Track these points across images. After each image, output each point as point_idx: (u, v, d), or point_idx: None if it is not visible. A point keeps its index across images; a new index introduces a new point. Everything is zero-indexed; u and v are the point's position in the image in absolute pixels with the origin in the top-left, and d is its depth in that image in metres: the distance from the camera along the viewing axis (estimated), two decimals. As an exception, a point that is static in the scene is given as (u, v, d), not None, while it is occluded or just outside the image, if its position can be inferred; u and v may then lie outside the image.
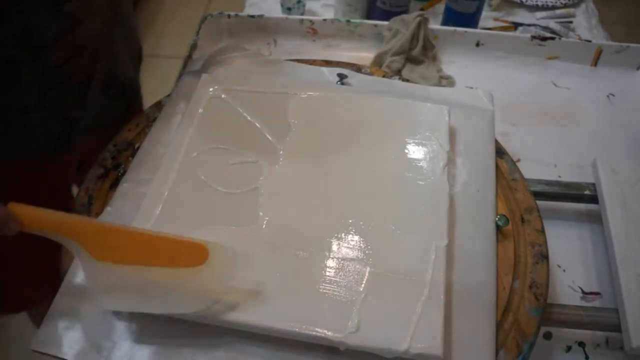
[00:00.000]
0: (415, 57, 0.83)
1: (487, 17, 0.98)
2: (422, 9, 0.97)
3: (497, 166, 0.58)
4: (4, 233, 0.41)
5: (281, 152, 0.56)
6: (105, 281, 0.44)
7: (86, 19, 0.55)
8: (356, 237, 0.49)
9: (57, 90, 0.56)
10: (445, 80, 0.83)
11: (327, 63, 0.69)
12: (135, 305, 0.45)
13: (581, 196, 0.65)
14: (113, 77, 0.63)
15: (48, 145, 0.59)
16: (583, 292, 0.60)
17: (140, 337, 0.46)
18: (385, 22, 0.87)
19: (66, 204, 0.57)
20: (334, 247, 0.49)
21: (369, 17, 0.95)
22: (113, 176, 0.58)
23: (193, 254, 0.45)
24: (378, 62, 0.84)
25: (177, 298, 0.44)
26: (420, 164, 0.55)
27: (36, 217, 0.42)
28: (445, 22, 0.93)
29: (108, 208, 0.53)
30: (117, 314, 0.46)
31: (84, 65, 0.57)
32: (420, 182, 0.54)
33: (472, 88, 0.69)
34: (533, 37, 0.85)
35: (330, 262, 0.47)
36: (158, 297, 0.44)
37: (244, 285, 0.46)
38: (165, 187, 0.52)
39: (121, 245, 0.45)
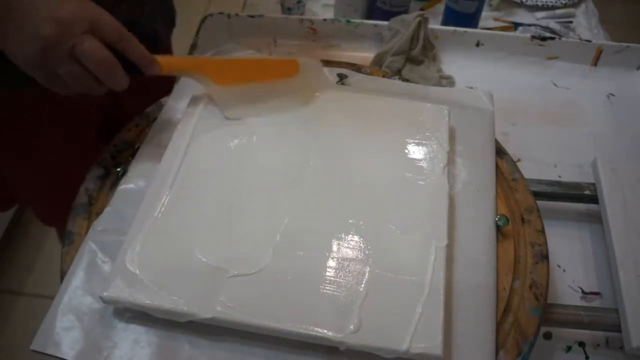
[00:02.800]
0: (415, 57, 0.83)
1: (487, 17, 0.98)
2: (422, 9, 0.97)
3: (497, 166, 0.58)
4: (148, 72, 0.51)
5: (281, 153, 0.56)
6: (228, 99, 0.58)
7: None
8: (356, 237, 0.49)
9: None
10: (445, 80, 0.83)
11: (327, 63, 0.69)
12: (254, 109, 0.58)
13: (581, 196, 0.65)
14: (137, 22, 0.64)
15: None
16: (583, 292, 0.60)
17: (140, 337, 0.46)
18: (385, 22, 0.87)
19: (88, 144, 0.64)
20: (334, 247, 0.49)
21: (369, 17, 0.95)
22: (113, 176, 0.58)
23: (289, 68, 0.61)
24: (378, 62, 0.84)
25: (282, 100, 0.59)
26: (420, 164, 0.55)
27: (170, 61, 0.55)
28: (445, 22, 0.93)
29: (108, 208, 0.53)
30: (117, 314, 0.46)
31: (109, 5, 0.59)
32: (420, 182, 0.54)
33: (472, 88, 0.69)
34: (533, 37, 0.85)
35: (331, 262, 0.47)
36: (268, 101, 0.59)
37: (244, 284, 0.46)
38: (165, 187, 0.52)
39: (235, 70, 0.60)
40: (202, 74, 0.56)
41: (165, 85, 0.66)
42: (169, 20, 0.77)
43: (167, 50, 0.81)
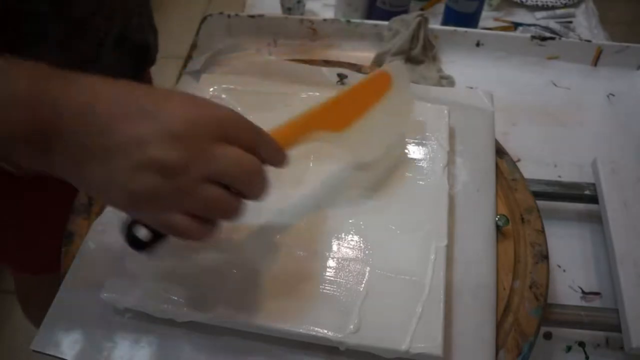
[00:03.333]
0: (415, 57, 0.83)
1: (487, 17, 0.98)
2: (422, 9, 0.97)
3: (497, 166, 0.58)
4: (282, 166, 0.41)
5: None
6: (352, 141, 0.50)
7: None
8: (356, 237, 0.49)
9: (78, 45, 0.55)
10: (445, 80, 0.82)
11: (327, 63, 0.69)
12: (373, 147, 0.53)
13: (581, 196, 0.65)
14: (126, 35, 0.62)
15: None
16: (583, 292, 0.60)
17: (140, 337, 0.46)
18: (385, 22, 0.87)
19: (53, 201, 0.57)
20: (334, 247, 0.49)
21: (369, 17, 0.95)
22: (113, 176, 0.58)
23: (381, 81, 0.54)
24: (378, 62, 0.84)
25: (390, 125, 0.54)
26: (420, 164, 0.55)
27: (288, 140, 0.43)
28: (445, 22, 0.93)
29: (108, 208, 0.53)
30: (117, 314, 0.46)
31: (102, 20, 0.56)
32: (420, 182, 0.54)
33: (472, 88, 0.69)
34: (533, 37, 0.85)
35: (331, 262, 0.47)
36: (382, 131, 0.53)
37: (244, 284, 0.46)
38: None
39: (342, 109, 0.50)
40: (322, 130, 0.47)
41: None
42: (155, 30, 0.75)
43: (155, 61, 0.76)
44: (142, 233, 0.37)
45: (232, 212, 0.38)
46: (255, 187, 0.38)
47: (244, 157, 0.36)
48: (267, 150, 0.39)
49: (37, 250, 0.59)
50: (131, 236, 0.38)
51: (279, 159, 0.41)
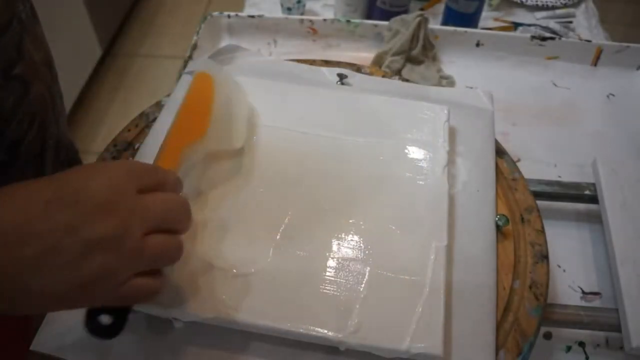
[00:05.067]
0: (415, 57, 0.83)
1: (487, 17, 0.98)
2: (422, 9, 0.97)
3: (497, 166, 0.58)
4: (180, 191, 0.40)
5: (281, 153, 0.56)
6: (219, 136, 0.52)
7: (34, 81, 0.52)
8: (356, 237, 0.49)
9: (20, 166, 0.52)
10: (445, 80, 0.83)
11: (327, 63, 0.69)
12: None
13: (581, 196, 0.65)
14: (61, 141, 0.59)
15: None
16: (583, 292, 0.60)
17: (141, 337, 0.46)
18: (385, 22, 0.87)
19: None
20: (334, 247, 0.49)
21: (369, 17, 0.95)
22: (113, 176, 0.58)
23: (206, 83, 0.53)
24: (378, 62, 0.84)
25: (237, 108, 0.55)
26: (420, 164, 0.55)
27: (171, 166, 0.44)
28: (445, 22, 0.93)
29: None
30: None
31: (37, 135, 0.53)
32: (420, 182, 0.54)
33: (472, 88, 0.69)
34: (533, 37, 0.85)
35: (330, 262, 0.47)
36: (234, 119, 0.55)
37: (244, 284, 0.46)
38: (165, 187, 0.52)
39: (193, 120, 0.50)
40: (191, 142, 0.48)
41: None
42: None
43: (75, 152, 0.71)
44: (105, 320, 0.37)
45: (180, 251, 0.38)
46: (187, 220, 0.38)
47: (167, 197, 0.37)
48: (172, 184, 0.39)
49: None
50: (97, 328, 0.37)
51: (180, 186, 0.40)
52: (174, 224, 0.37)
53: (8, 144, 0.51)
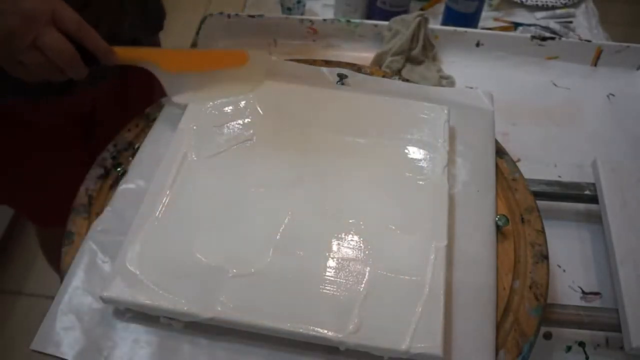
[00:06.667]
0: (415, 57, 0.83)
1: (487, 17, 0.98)
2: (422, 9, 0.97)
3: (497, 166, 0.58)
4: (105, 62, 0.54)
5: (281, 153, 0.56)
6: (177, 86, 0.60)
7: None
8: (356, 237, 0.49)
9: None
10: (445, 80, 0.83)
11: (327, 63, 0.69)
12: (200, 96, 0.60)
13: (581, 196, 0.65)
14: (118, 33, 0.65)
15: (49, 88, 0.61)
16: (583, 292, 0.60)
17: (140, 337, 0.46)
18: (385, 22, 0.87)
19: (73, 160, 0.63)
20: (334, 247, 0.49)
21: (369, 17, 0.95)
22: (113, 176, 0.58)
23: (237, 58, 0.63)
24: (378, 62, 0.84)
25: (227, 87, 0.61)
26: (420, 164, 0.55)
27: (125, 51, 0.56)
28: (445, 22, 0.93)
29: (108, 208, 0.53)
30: (117, 314, 0.46)
31: (89, 17, 0.59)
32: (420, 182, 0.54)
33: (472, 88, 0.69)
34: (533, 37, 0.85)
35: (330, 262, 0.47)
36: (213, 88, 0.60)
37: (244, 284, 0.46)
38: (165, 187, 0.52)
39: (185, 59, 0.63)
40: (153, 62, 0.58)
41: (144, 99, 0.67)
42: (154, 26, 0.78)
43: None
44: None
45: (51, 77, 0.51)
46: (64, 64, 0.50)
47: (59, 40, 0.49)
48: (91, 43, 0.51)
49: (57, 205, 0.62)
50: None
51: (101, 52, 0.52)
52: (62, 59, 0.50)
53: None
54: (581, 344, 0.56)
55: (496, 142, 0.61)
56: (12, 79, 0.51)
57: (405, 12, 0.91)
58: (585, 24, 0.98)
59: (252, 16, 0.87)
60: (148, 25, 0.75)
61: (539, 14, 1.00)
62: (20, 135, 0.70)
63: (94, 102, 0.76)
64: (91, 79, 0.61)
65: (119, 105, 0.69)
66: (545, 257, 0.52)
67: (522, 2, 1.01)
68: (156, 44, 0.82)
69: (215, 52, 0.68)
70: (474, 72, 0.85)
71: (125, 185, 0.55)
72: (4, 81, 0.55)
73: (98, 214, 0.54)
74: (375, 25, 0.87)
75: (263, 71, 0.63)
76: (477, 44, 0.87)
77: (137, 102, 0.67)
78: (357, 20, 0.88)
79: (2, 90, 0.54)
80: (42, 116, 0.69)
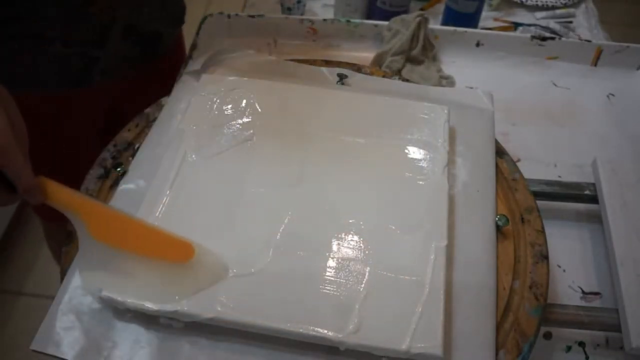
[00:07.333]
0: (415, 57, 0.83)
1: (487, 17, 0.98)
2: (422, 9, 0.97)
3: (497, 166, 0.58)
4: (31, 201, 0.44)
5: (281, 153, 0.56)
6: (95, 259, 0.47)
7: None
8: (356, 237, 0.49)
9: (80, 26, 0.59)
10: (445, 80, 0.83)
11: (327, 63, 0.69)
12: (113, 287, 0.46)
13: (581, 196, 0.65)
14: (136, 25, 0.66)
15: (67, 78, 0.61)
16: (583, 292, 0.60)
17: (140, 337, 0.46)
18: (385, 22, 0.87)
19: (89, 152, 0.61)
20: (334, 247, 0.49)
21: (369, 17, 0.95)
22: (113, 176, 0.58)
23: (181, 251, 0.47)
24: (378, 62, 0.84)
25: (155, 288, 0.46)
26: (420, 164, 0.55)
27: (56, 193, 0.45)
28: (445, 22, 0.93)
29: (108, 208, 0.53)
30: (117, 314, 0.46)
31: (108, 7, 0.60)
32: (420, 182, 0.54)
33: (472, 88, 0.69)
34: (533, 37, 0.85)
35: (331, 262, 0.47)
36: (137, 283, 0.46)
37: (244, 284, 0.46)
38: (165, 188, 0.52)
39: (119, 230, 0.48)
40: (81, 218, 0.46)
41: (166, 87, 0.66)
42: (175, 20, 0.78)
43: (173, 49, 0.81)
44: None
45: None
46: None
47: None
48: (11, 173, 0.41)
49: None
50: None
51: (22, 187, 0.42)
52: None
53: (75, 2, 0.59)
54: (581, 344, 0.56)
55: (496, 142, 0.61)
56: (22, 68, 0.50)
57: (405, 12, 0.91)
58: (585, 24, 0.98)
59: (252, 16, 0.87)
60: (168, 17, 0.75)
61: (539, 14, 1.00)
62: (35, 129, 0.70)
63: (113, 97, 0.75)
64: (106, 70, 0.61)
65: (139, 102, 0.67)
66: (545, 257, 0.52)
67: (522, 2, 1.01)
68: (178, 39, 0.82)
69: (158, 233, 0.49)
70: (474, 72, 0.85)
71: (125, 185, 0.55)
72: (13, 70, 0.55)
73: (98, 214, 0.53)
74: (375, 25, 0.87)
75: (210, 275, 0.47)
76: (477, 44, 0.87)
77: (157, 91, 0.66)
78: (357, 20, 0.88)
79: (12, 80, 0.49)
80: (57, 109, 0.69)
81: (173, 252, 0.48)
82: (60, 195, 0.45)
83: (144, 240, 0.48)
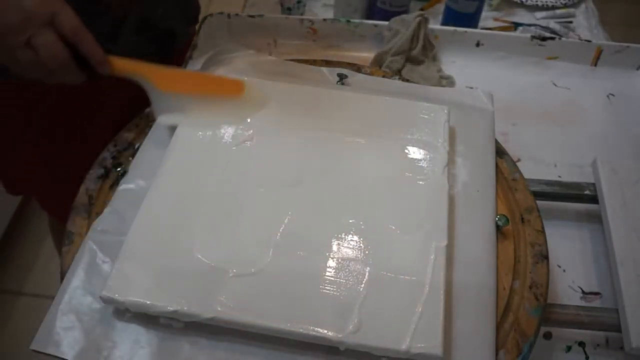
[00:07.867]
0: (415, 57, 0.83)
1: (487, 17, 0.98)
2: (422, 9, 0.97)
3: (497, 166, 0.58)
4: (102, 72, 0.53)
5: (281, 153, 0.56)
6: (166, 106, 0.58)
7: None
8: (356, 237, 0.49)
9: (93, 19, 0.59)
10: (445, 80, 0.83)
11: (327, 63, 0.69)
12: (188, 120, 0.57)
13: (581, 196, 0.65)
14: (150, 21, 0.67)
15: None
16: (583, 292, 0.60)
17: (140, 337, 0.46)
18: (385, 22, 0.87)
19: (106, 139, 0.63)
20: (334, 247, 0.49)
21: (369, 17, 0.95)
22: (113, 176, 0.58)
23: (234, 87, 0.60)
24: (378, 62, 0.84)
25: (220, 114, 0.58)
26: (420, 164, 0.55)
27: (121, 63, 0.55)
28: (445, 22, 0.93)
29: (108, 208, 0.53)
30: (117, 314, 0.46)
31: (121, 2, 0.62)
32: (420, 182, 0.54)
33: (472, 88, 0.69)
34: (533, 37, 0.85)
35: (330, 262, 0.47)
36: (206, 113, 0.58)
37: (244, 284, 0.46)
38: (165, 188, 0.52)
39: (181, 80, 0.61)
40: (147, 78, 0.57)
41: None
42: (188, 17, 0.79)
43: (186, 50, 0.81)
44: None
45: (44, 78, 0.51)
46: (54, 68, 0.49)
47: (52, 43, 0.48)
48: (86, 49, 0.51)
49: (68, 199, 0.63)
50: None
51: (95, 60, 0.52)
52: (53, 62, 0.49)
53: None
54: (581, 344, 0.56)
55: (496, 142, 0.61)
56: None
57: (405, 12, 0.91)
58: (585, 24, 0.98)
59: (252, 16, 0.87)
60: (182, 15, 0.75)
61: (539, 14, 1.00)
62: (42, 120, 0.71)
63: (125, 94, 0.75)
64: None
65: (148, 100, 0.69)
66: (545, 257, 0.52)
67: (522, 2, 1.01)
68: (192, 40, 0.82)
69: (212, 77, 0.63)
70: (474, 72, 0.85)
71: (125, 185, 0.55)
72: None
73: (98, 214, 0.54)
74: (375, 25, 0.87)
75: (258, 103, 0.59)
76: (477, 44, 0.87)
77: None
78: (357, 20, 0.88)
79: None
80: (69, 102, 0.69)
81: (228, 89, 0.60)
82: (125, 65, 0.55)
83: (202, 84, 0.61)
